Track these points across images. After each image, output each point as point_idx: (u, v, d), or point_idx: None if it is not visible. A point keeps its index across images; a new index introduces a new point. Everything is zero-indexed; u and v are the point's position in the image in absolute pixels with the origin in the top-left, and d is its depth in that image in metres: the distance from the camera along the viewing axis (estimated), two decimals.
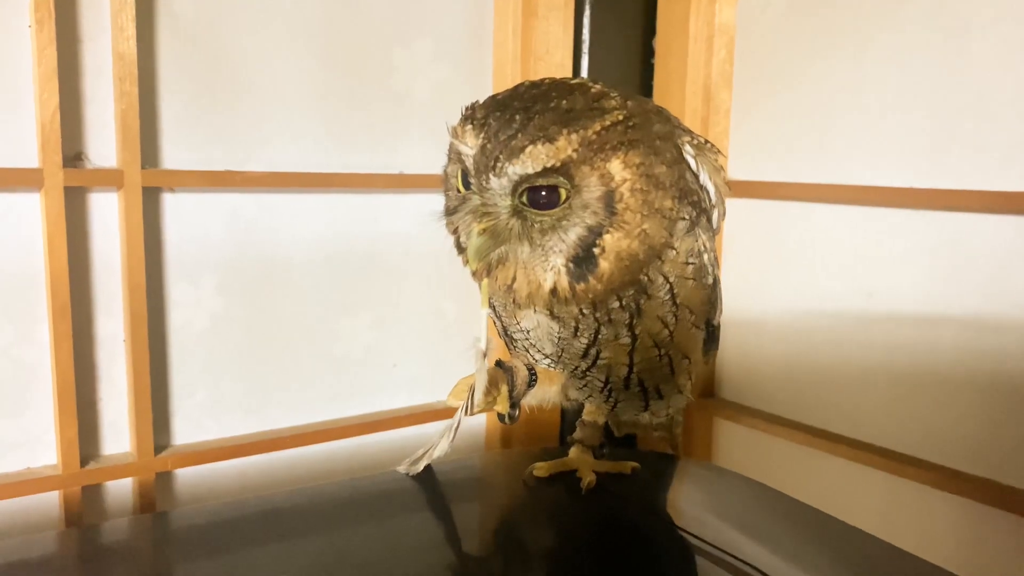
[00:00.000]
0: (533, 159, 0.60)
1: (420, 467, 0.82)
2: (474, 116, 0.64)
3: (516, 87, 0.66)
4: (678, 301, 0.69)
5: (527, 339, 0.74)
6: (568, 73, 1.36)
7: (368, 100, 1.25)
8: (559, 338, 0.71)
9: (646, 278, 0.66)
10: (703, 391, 1.46)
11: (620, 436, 0.95)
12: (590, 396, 0.79)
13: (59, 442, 1.05)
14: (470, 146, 0.63)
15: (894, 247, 1.19)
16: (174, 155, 1.11)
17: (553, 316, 0.69)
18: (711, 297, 0.74)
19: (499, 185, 0.62)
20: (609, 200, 0.62)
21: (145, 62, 1.07)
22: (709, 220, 0.70)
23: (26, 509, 1.06)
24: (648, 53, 1.47)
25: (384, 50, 1.26)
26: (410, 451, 0.84)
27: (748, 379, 1.43)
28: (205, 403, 1.18)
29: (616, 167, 0.61)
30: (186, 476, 1.17)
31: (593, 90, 0.64)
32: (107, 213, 1.07)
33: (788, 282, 1.34)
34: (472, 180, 0.64)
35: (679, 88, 1.40)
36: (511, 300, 0.67)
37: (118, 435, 1.12)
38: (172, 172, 1.11)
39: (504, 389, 0.76)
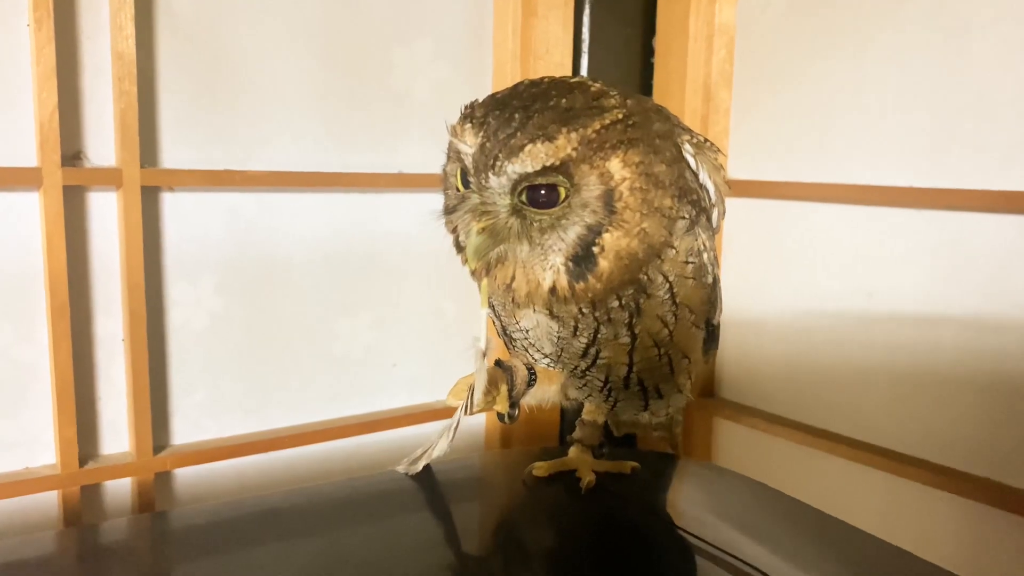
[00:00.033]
0: (532, 158, 0.60)
1: (419, 467, 0.82)
2: (473, 115, 0.64)
3: (515, 86, 0.66)
4: (678, 300, 0.69)
5: (526, 338, 0.73)
6: (568, 72, 1.36)
7: (368, 99, 1.25)
8: (558, 337, 0.71)
9: (645, 277, 0.66)
10: (703, 391, 1.46)
11: (620, 436, 0.95)
12: (590, 396, 0.79)
13: (58, 442, 1.04)
14: (469, 145, 0.63)
15: (894, 247, 1.19)
16: (173, 154, 1.11)
17: (552, 315, 0.69)
18: (711, 296, 0.74)
19: (498, 184, 0.62)
20: (608, 199, 0.62)
21: (144, 61, 1.07)
22: (709, 219, 0.70)
23: (25, 509, 1.05)
24: (648, 52, 1.47)
25: (384, 49, 1.26)
26: (409, 451, 0.84)
27: (748, 379, 1.42)
28: (204, 403, 1.18)
29: (615, 166, 0.61)
30: (185, 476, 1.17)
31: (592, 89, 0.64)
32: (106, 212, 1.07)
33: (788, 282, 1.34)
34: (471, 179, 0.64)
35: (679, 87, 1.40)
36: (510, 299, 0.67)
37: (117, 435, 1.11)
38: (171, 171, 1.11)
39: (503, 389, 0.76)
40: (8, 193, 1.01)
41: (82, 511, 1.09)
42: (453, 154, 0.68)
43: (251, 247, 1.19)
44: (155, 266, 1.12)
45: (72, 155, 1.04)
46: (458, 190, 0.67)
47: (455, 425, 0.79)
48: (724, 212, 0.72)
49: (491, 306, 0.74)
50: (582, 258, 0.63)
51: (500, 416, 0.78)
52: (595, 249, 0.63)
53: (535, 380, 0.78)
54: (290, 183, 1.20)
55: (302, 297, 1.24)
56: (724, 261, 1.40)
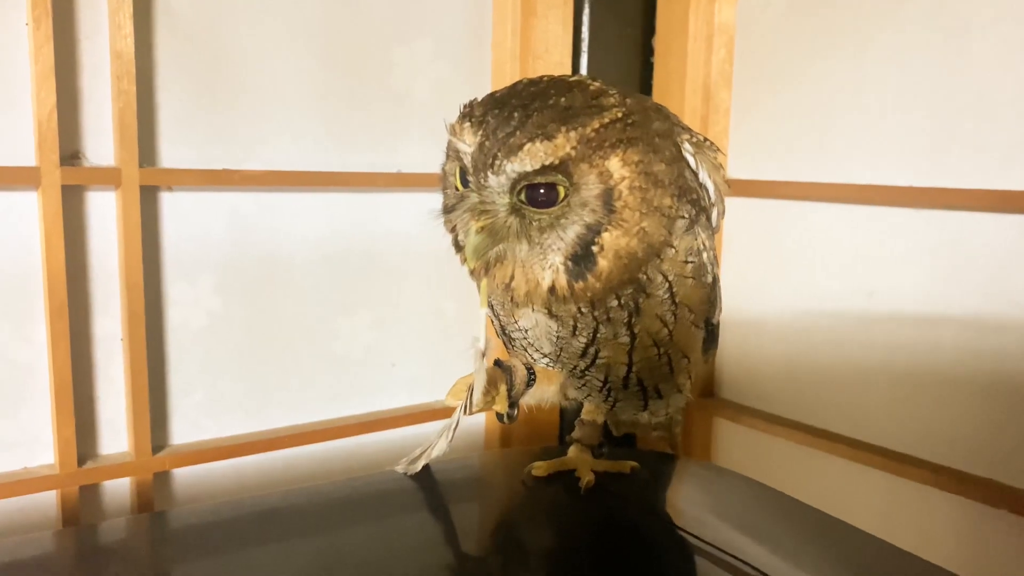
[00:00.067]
0: (531, 157, 0.60)
1: (418, 466, 0.82)
2: (472, 114, 0.63)
3: (514, 85, 0.65)
4: (677, 300, 0.69)
5: (525, 338, 0.73)
6: (567, 72, 1.36)
7: (367, 99, 1.25)
8: (557, 337, 0.71)
9: (645, 276, 0.66)
10: (703, 391, 1.46)
11: (619, 435, 0.95)
12: (589, 395, 0.79)
13: (56, 441, 1.04)
14: (468, 144, 0.63)
15: (894, 247, 1.19)
16: (172, 154, 1.11)
17: (551, 315, 0.69)
18: (710, 296, 0.74)
19: (497, 183, 0.62)
20: (608, 198, 0.61)
21: (143, 60, 1.07)
22: (708, 218, 0.70)
23: (23, 509, 1.05)
24: (647, 52, 1.47)
25: (383, 49, 1.26)
26: (409, 451, 0.84)
27: (748, 379, 1.42)
28: (203, 402, 1.18)
29: (615, 165, 0.61)
30: (184, 476, 1.17)
31: (592, 88, 0.64)
32: (105, 212, 1.07)
33: (788, 282, 1.34)
34: (470, 178, 0.63)
35: (678, 87, 1.40)
36: (509, 299, 0.67)
37: (116, 434, 1.11)
38: (170, 171, 1.11)
39: (503, 389, 0.76)
40: (7, 193, 1.01)
41: (81, 511, 1.09)
42: (452, 153, 0.68)
43: (250, 247, 1.19)
44: (154, 266, 1.12)
45: (71, 154, 1.04)
46: (457, 189, 0.66)
47: (454, 425, 0.79)
48: (724, 211, 0.72)
49: (490, 306, 0.74)
50: (581, 257, 0.63)
51: (499, 416, 0.78)
52: (594, 248, 0.62)
53: (534, 380, 0.78)
54: (289, 183, 1.19)
55: (302, 297, 1.24)
56: (724, 261, 1.40)
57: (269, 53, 1.16)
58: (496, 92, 0.66)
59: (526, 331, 0.72)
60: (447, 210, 0.69)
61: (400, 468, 0.83)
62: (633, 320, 0.68)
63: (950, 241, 1.13)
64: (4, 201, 1.01)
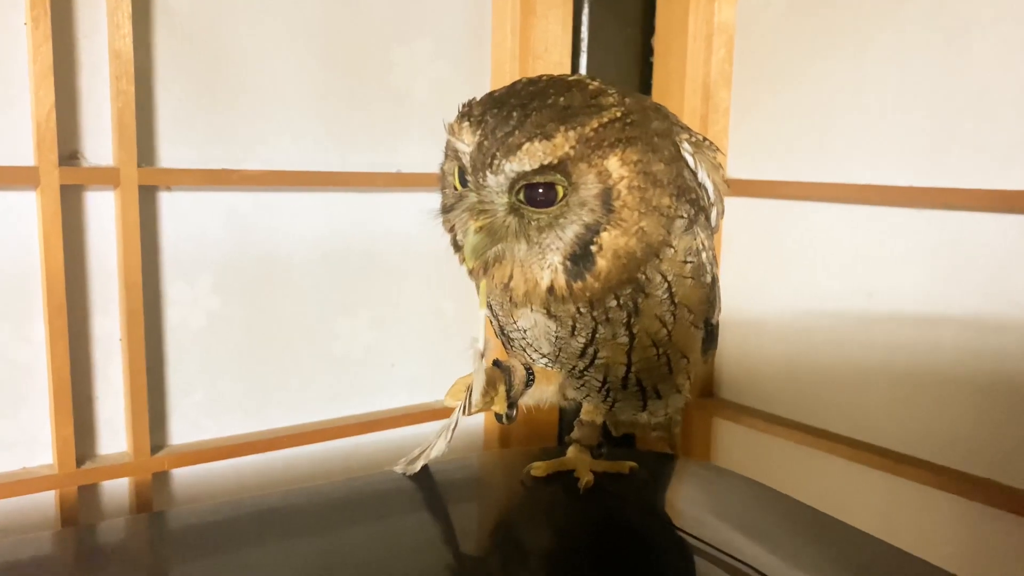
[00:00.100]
0: (530, 156, 0.60)
1: (417, 467, 0.82)
2: (471, 113, 0.63)
3: (513, 84, 0.65)
4: (676, 300, 0.68)
5: (524, 338, 0.73)
6: (567, 72, 1.36)
7: (367, 99, 1.25)
8: (556, 337, 0.70)
9: (644, 276, 0.66)
10: (702, 391, 1.46)
11: (618, 436, 0.95)
12: (588, 396, 0.79)
13: (55, 441, 1.04)
14: (467, 143, 0.63)
15: (894, 247, 1.19)
16: (171, 153, 1.11)
17: (550, 315, 0.68)
18: (709, 296, 0.73)
19: (496, 182, 0.62)
20: (607, 197, 0.61)
21: (142, 60, 1.07)
22: (707, 218, 0.70)
23: (22, 509, 1.05)
24: (647, 52, 1.47)
25: (383, 49, 1.26)
26: (408, 451, 0.84)
27: (748, 379, 1.42)
28: (202, 402, 1.18)
29: (614, 164, 0.61)
30: (183, 476, 1.17)
31: (591, 87, 0.63)
32: (103, 212, 1.07)
33: (788, 282, 1.34)
34: (469, 177, 0.63)
35: (678, 87, 1.40)
36: (508, 299, 0.67)
37: (114, 435, 1.11)
38: (169, 170, 1.11)
39: (502, 389, 0.76)
40: (5, 192, 1.01)
41: (79, 511, 1.08)
42: (451, 152, 0.68)
43: (249, 246, 1.18)
44: (153, 265, 1.12)
45: (69, 154, 1.04)
46: (456, 189, 0.66)
47: (453, 425, 0.79)
48: (723, 211, 0.72)
49: (489, 306, 0.74)
50: (580, 257, 0.63)
51: (498, 416, 0.78)
52: (593, 248, 0.62)
53: (533, 380, 0.78)
54: (288, 182, 1.19)
55: (301, 297, 1.24)
56: (724, 261, 1.40)
57: (268, 52, 1.16)
58: (495, 91, 0.65)
59: (525, 331, 0.72)
60: (446, 210, 0.69)
61: (399, 468, 0.83)
62: (632, 320, 0.68)
63: (950, 241, 1.13)
64: (3, 201, 1.01)
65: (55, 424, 1.03)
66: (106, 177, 1.04)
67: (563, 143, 0.60)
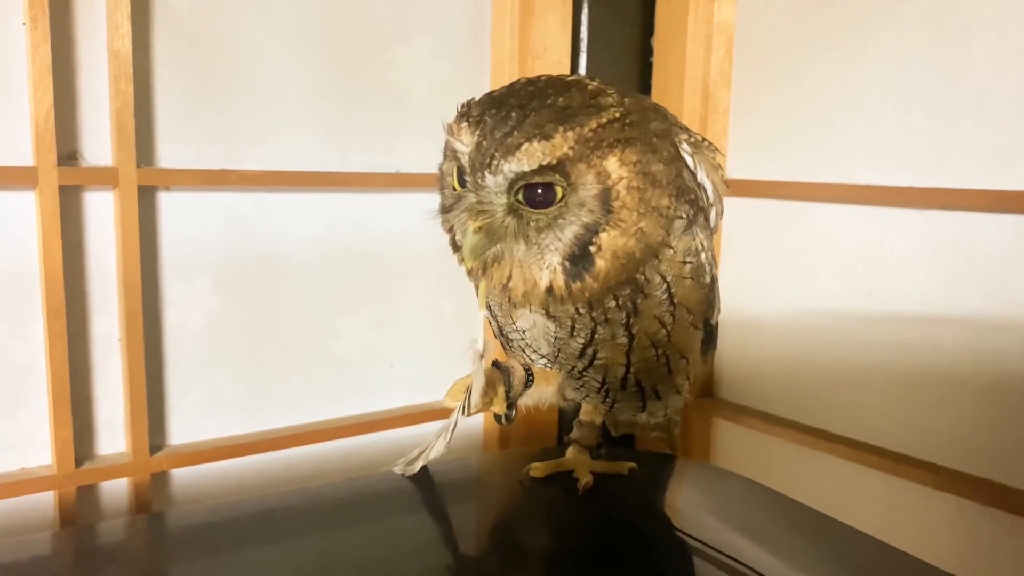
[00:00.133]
0: (529, 156, 0.60)
1: (416, 467, 0.82)
2: (470, 113, 0.63)
3: (512, 84, 0.65)
4: (675, 300, 0.68)
5: (523, 339, 0.73)
6: (566, 72, 1.36)
7: (366, 98, 1.25)
8: (555, 338, 0.70)
9: (643, 277, 0.66)
10: (702, 391, 1.46)
11: (617, 436, 0.94)
12: (587, 396, 0.78)
13: (54, 442, 1.04)
14: (466, 143, 0.62)
15: (894, 247, 1.19)
16: (170, 153, 1.11)
17: (549, 315, 0.68)
18: (709, 296, 0.73)
19: (495, 183, 0.62)
20: (605, 198, 0.61)
21: (141, 60, 1.06)
22: (707, 219, 0.70)
23: (21, 510, 1.05)
24: (647, 51, 1.47)
25: (382, 48, 1.26)
26: (408, 451, 0.84)
27: (747, 379, 1.42)
28: (201, 403, 1.18)
29: (613, 165, 0.61)
30: (182, 476, 1.17)
31: (590, 87, 0.63)
32: (102, 212, 1.07)
33: (788, 282, 1.34)
34: (468, 178, 0.63)
35: (678, 87, 1.40)
36: (507, 299, 0.67)
37: (113, 435, 1.11)
38: (168, 171, 1.10)
39: (501, 390, 0.76)
40: (4, 193, 1.01)
41: (78, 512, 1.08)
42: (449, 153, 0.67)
43: (248, 246, 1.18)
44: (151, 266, 1.11)
45: (68, 154, 1.04)
46: (454, 189, 0.66)
47: (452, 426, 0.79)
48: (722, 212, 0.72)
49: (488, 307, 0.74)
50: (579, 257, 0.63)
51: (497, 417, 0.78)
52: (592, 248, 0.62)
53: (532, 381, 0.78)
54: (287, 182, 1.19)
55: (300, 297, 1.24)
56: (724, 261, 1.40)
57: (267, 52, 1.16)
58: (494, 92, 0.65)
59: (524, 332, 0.72)
60: (445, 210, 0.68)
61: (398, 469, 0.83)
62: (631, 321, 0.68)
63: (950, 241, 1.13)
64: (1, 201, 1.01)
65: (54, 424, 1.03)
66: (105, 177, 1.04)
67: (562, 143, 0.59)
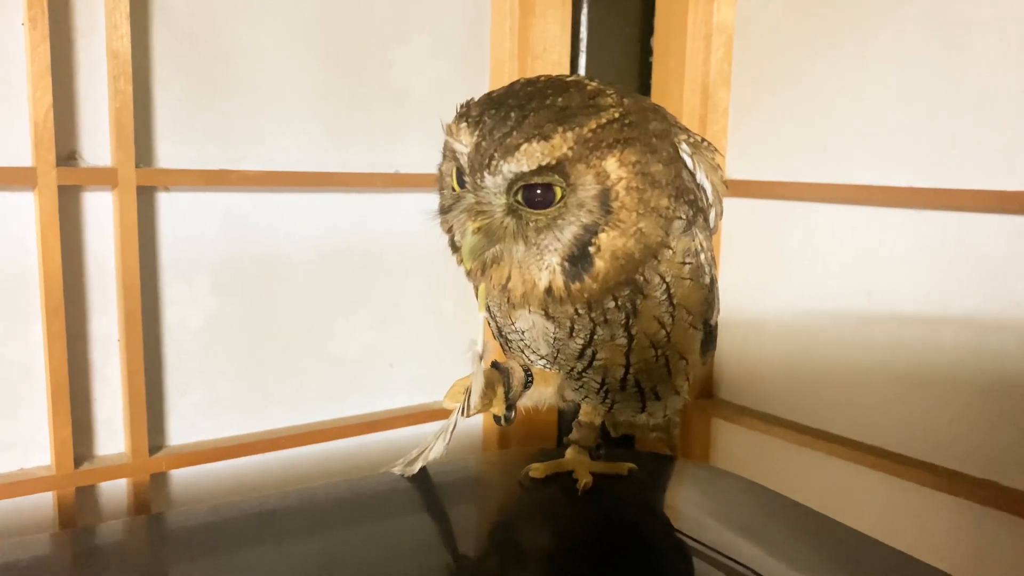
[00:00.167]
0: (528, 157, 0.59)
1: (416, 468, 0.82)
2: (469, 114, 0.63)
3: (511, 84, 0.65)
4: (675, 301, 0.68)
5: (522, 340, 0.73)
6: (566, 72, 1.36)
7: (365, 98, 1.25)
8: (554, 339, 0.70)
9: (642, 278, 0.66)
10: (702, 392, 1.46)
11: (617, 437, 0.94)
12: (586, 397, 0.78)
13: (53, 442, 1.04)
14: (465, 144, 0.62)
15: (894, 247, 1.19)
16: (169, 154, 1.11)
17: (548, 316, 0.68)
18: (708, 297, 0.73)
19: (494, 183, 0.61)
20: (605, 198, 0.61)
21: (140, 60, 1.06)
22: (706, 219, 0.69)
23: (20, 510, 1.05)
24: (646, 52, 1.47)
25: (382, 48, 1.26)
26: (407, 452, 0.84)
27: (747, 380, 1.42)
28: (200, 403, 1.18)
29: (612, 165, 0.61)
30: (181, 477, 1.17)
31: (589, 87, 0.63)
32: (101, 212, 1.07)
33: (788, 282, 1.34)
34: (467, 178, 0.63)
35: (677, 87, 1.40)
36: (506, 300, 0.67)
37: (112, 435, 1.11)
38: (167, 171, 1.10)
39: (500, 391, 0.76)
40: (3, 193, 1.01)
41: (77, 513, 1.08)
42: (449, 153, 0.67)
43: (248, 247, 1.18)
44: (151, 266, 1.11)
45: (67, 155, 1.04)
46: (454, 189, 0.66)
47: (452, 427, 0.78)
48: (722, 212, 0.71)
49: (488, 308, 0.74)
50: (578, 258, 0.63)
51: (497, 418, 0.78)
52: (591, 249, 0.62)
53: (531, 382, 0.78)
54: (287, 182, 1.19)
55: (300, 297, 1.24)
56: (724, 261, 1.40)
57: (267, 52, 1.16)
58: (493, 92, 0.65)
59: (523, 332, 0.72)
60: (444, 210, 0.68)
61: (397, 470, 0.83)
62: (630, 322, 0.68)
63: (950, 241, 1.13)
64: (1, 202, 1.01)
65: (53, 425, 1.03)
66: (104, 177, 1.04)
67: (561, 144, 0.59)
